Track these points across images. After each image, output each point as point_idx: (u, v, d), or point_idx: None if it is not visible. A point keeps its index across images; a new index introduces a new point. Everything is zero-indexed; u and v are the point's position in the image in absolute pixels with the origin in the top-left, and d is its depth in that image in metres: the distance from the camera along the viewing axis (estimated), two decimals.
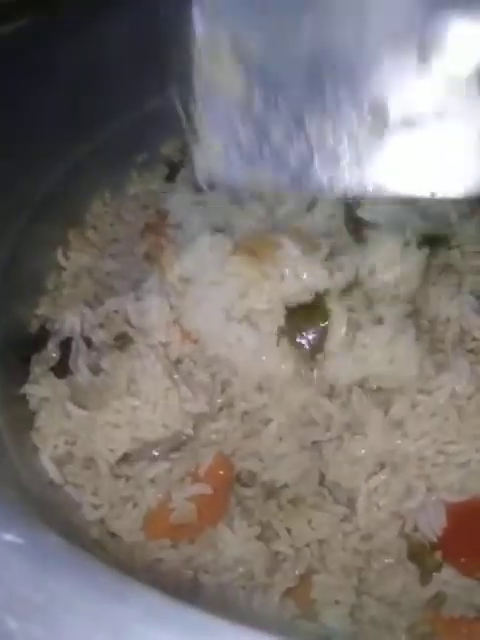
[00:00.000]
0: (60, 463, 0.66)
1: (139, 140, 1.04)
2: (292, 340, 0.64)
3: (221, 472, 0.64)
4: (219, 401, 0.66)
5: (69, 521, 0.62)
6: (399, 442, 0.64)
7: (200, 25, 0.57)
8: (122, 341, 0.70)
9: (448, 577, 0.57)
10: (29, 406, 0.70)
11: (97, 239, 0.93)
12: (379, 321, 0.63)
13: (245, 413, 0.67)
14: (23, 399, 0.71)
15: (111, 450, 0.65)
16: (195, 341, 0.69)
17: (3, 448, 0.64)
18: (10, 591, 0.36)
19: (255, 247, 0.65)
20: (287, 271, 0.64)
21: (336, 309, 0.63)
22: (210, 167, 0.58)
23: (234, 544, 0.62)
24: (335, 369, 0.63)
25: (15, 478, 0.59)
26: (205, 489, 0.63)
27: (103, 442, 0.64)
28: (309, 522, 0.64)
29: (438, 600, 0.57)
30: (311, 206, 0.74)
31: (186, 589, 0.61)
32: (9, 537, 0.38)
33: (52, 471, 0.64)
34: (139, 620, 0.34)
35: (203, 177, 0.59)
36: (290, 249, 0.64)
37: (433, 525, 0.59)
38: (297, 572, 0.62)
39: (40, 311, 0.83)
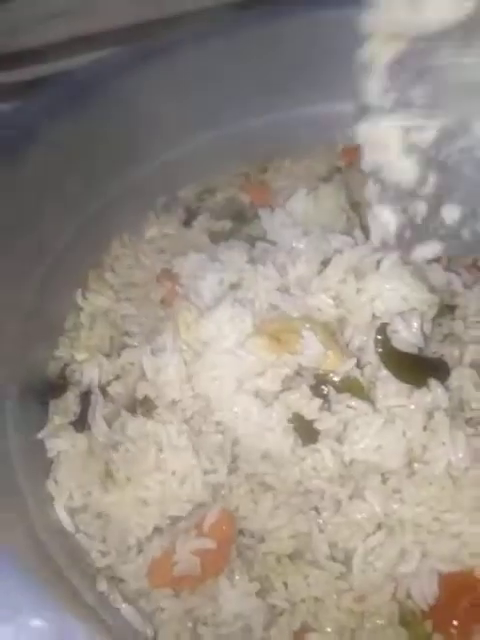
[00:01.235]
0: (73, 512, 0.69)
1: (159, 185, 1.08)
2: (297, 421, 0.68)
3: (224, 528, 0.66)
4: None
5: (80, 569, 0.64)
6: (396, 507, 0.66)
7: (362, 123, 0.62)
8: (146, 407, 0.74)
9: None
10: (47, 454, 0.73)
11: (115, 281, 0.97)
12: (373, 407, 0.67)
13: (249, 475, 0.70)
14: (40, 443, 0.74)
15: (141, 525, 0.68)
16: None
17: (19, 492, 0.67)
18: None
19: (278, 332, 0.69)
20: (304, 361, 0.68)
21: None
22: (383, 237, 0.64)
23: (233, 598, 0.65)
24: (329, 452, 0.67)
25: (29, 525, 0.62)
26: (209, 544, 0.66)
27: (134, 518, 0.68)
28: (306, 578, 0.67)
29: None
30: (323, 267, 0.77)
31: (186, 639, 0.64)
32: (37, 623, 0.41)
33: (65, 521, 0.67)
34: None
35: (376, 241, 0.64)
36: (310, 343, 0.68)
37: (425, 594, 0.61)
38: (293, 628, 0.65)
39: (59, 353, 0.86)
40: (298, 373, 0.70)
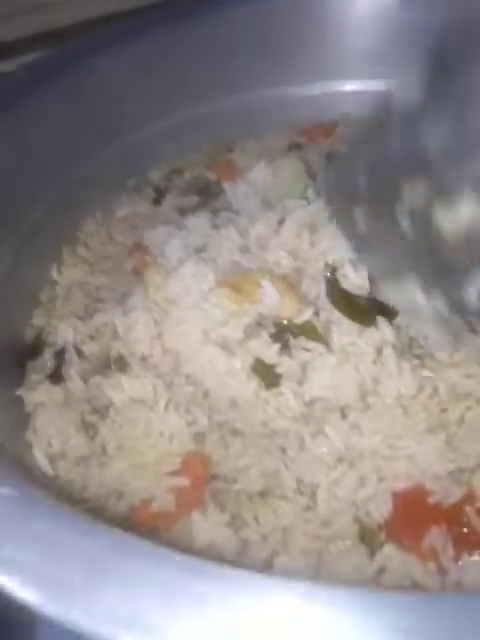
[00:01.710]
0: (53, 459, 0.73)
1: (129, 166, 1.13)
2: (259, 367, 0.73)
3: (198, 468, 0.71)
4: None
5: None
6: (355, 440, 0.71)
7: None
8: (119, 365, 0.78)
9: (389, 553, 0.64)
10: (25, 409, 0.77)
11: (89, 256, 1.01)
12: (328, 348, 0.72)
13: (220, 423, 0.74)
14: (19, 401, 0.78)
15: (142, 488, 0.72)
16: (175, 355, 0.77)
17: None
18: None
19: (239, 284, 0.74)
20: (264, 310, 0.73)
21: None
22: None
23: (207, 530, 0.69)
24: (291, 394, 0.72)
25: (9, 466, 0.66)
26: (183, 482, 0.70)
27: (134, 482, 0.72)
28: (275, 511, 0.71)
29: (380, 572, 0.64)
30: (279, 225, 0.83)
31: None
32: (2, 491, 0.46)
33: (44, 464, 0.72)
34: (108, 550, 0.42)
35: None
36: (269, 291, 0.74)
37: (381, 510, 0.66)
38: (263, 556, 0.69)
39: (35, 322, 0.91)
40: (259, 322, 0.75)
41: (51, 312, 0.92)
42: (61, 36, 1.26)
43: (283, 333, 0.75)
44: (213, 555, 0.69)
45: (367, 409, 0.71)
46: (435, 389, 0.71)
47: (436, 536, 0.62)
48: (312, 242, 0.77)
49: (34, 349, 0.84)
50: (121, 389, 0.76)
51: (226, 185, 1.00)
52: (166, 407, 0.73)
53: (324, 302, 0.74)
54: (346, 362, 0.71)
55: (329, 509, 0.70)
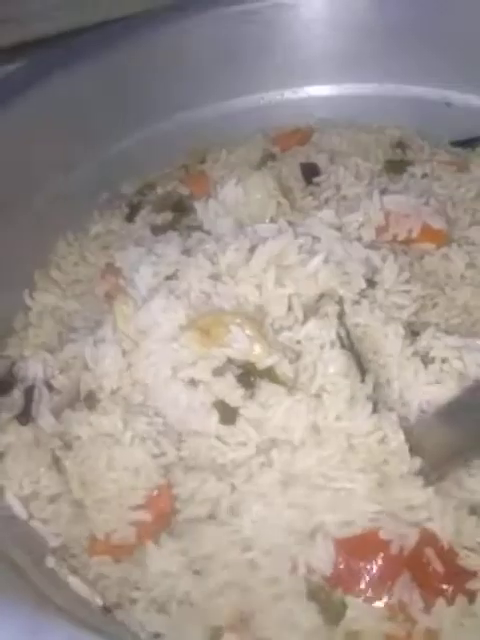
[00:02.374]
0: (26, 501, 0.74)
1: (101, 180, 1.11)
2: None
3: (163, 504, 0.71)
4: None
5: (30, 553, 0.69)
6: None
7: None
8: (89, 402, 0.78)
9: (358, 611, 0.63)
10: None
11: (61, 279, 1.00)
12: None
13: (181, 457, 0.75)
14: None
15: (105, 521, 0.72)
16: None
17: None
18: None
19: (208, 326, 0.74)
20: (232, 354, 0.73)
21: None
22: None
23: (159, 558, 0.69)
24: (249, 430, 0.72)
25: None
26: (145, 517, 0.71)
27: (98, 516, 0.72)
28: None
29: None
30: (250, 253, 0.82)
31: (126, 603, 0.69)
32: None
33: (17, 508, 0.72)
34: None
35: None
36: (238, 336, 0.73)
37: (324, 561, 0.65)
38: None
39: (8, 352, 0.90)
40: (228, 363, 0.74)
41: (24, 342, 0.92)
42: (26, 49, 1.23)
43: (249, 375, 0.74)
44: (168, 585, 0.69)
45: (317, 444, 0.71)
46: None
47: (402, 587, 0.62)
48: (278, 280, 0.77)
49: (5, 385, 0.84)
50: (88, 424, 0.75)
51: (197, 204, 0.98)
52: (132, 441, 0.73)
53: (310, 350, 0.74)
54: (299, 403, 0.71)
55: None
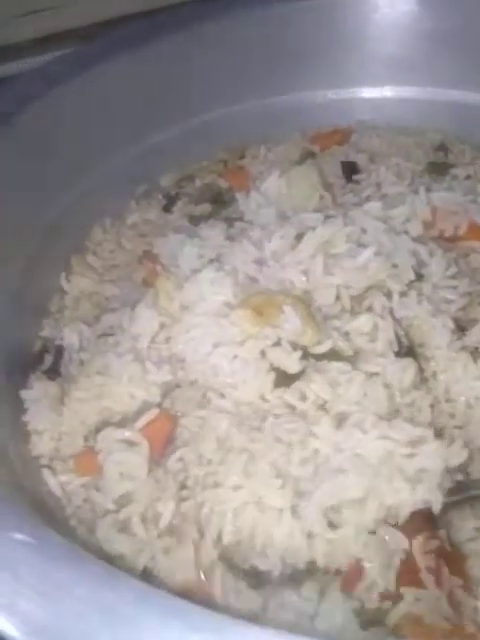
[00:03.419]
0: (50, 458, 0.73)
1: (139, 172, 1.11)
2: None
3: (159, 425, 0.69)
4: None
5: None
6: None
7: None
8: (106, 336, 0.78)
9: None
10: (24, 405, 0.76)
11: (98, 264, 0.99)
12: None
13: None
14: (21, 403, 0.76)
15: (81, 423, 0.71)
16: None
17: (8, 461, 0.69)
18: (21, 580, 0.43)
19: (261, 306, 0.72)
20: (283, 340, 0.71)
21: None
22: None
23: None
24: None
25: (18, 484, 0.65)
26: (134, 437, 0.69)
27: (72, 417, 0.71)
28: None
29: None
30: (297, 242, 0.81)
31: None
32: (20, 536, 0.45)
33: (52, 483, 0.70)
34: (128, 604, 0.41)
35: None
36: (291, 318, 0.71)
37: None
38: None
39: (44, 333, 0.89)
40: (277, 344, 0.73)
41: (59, 322, 0.90)
42: (68, 38, 1.23)
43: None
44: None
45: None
46: None
47: None
48: (326, 268, 0.76)
49: (39, 356, 0.84)
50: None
51: (239, 195, 0.98)
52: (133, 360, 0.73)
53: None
54: (373, 379, 0.70)
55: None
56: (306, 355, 0.71)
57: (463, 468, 0.70)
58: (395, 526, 0.65)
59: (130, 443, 0.68)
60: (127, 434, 0.68)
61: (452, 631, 0.59)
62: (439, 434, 0.71)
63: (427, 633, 0.58)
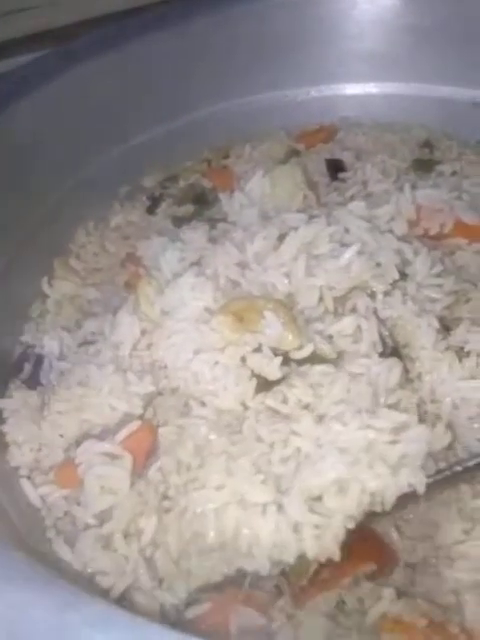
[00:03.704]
0: (30, 469, 0.72)
1: (123, 173, 1.10)
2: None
3: (140, 434, 0.68)
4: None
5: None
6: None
7: None
8: (87, 345, 0.76)
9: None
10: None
11: (80, 268, 0.98)
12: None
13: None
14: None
15: (61, 436, 0.70)
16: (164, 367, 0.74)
17: None
18: None
19: (242, 312, 0.71)
20: (264, 346, 0.70)
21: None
22: None
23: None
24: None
25: None
26: (115, 450, 0.68)
27: (52, 430, 0.70)
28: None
29: None
30: (279, 243, 0.79)
31: None
32: None
33: (31, 495, 0.69)
34: (87, 625, 0.39)
35: None
36: (272, 323, 0.70)
37: None
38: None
39: (24, 338, 0.88)
40: (257, 350, 0.72)
41: (40, 327, 0.89)
42: (55, 37, 1.22)
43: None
44: None
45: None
46: None
47: None
48: (308, 270, 0.74)
49: (19, 365, 0.82)
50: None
51: (222, 195, 0.96)
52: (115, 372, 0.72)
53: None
54: (356, 380, 0.69)
55: None
56: (287, 361, 0.70)
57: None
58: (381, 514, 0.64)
59: (112, 456, 0.67)
60: (108, 447, 0.67)
61: (432, 630, 0.58)
62: (422, 420, 0.70)
63: (406, 631, 0.58)
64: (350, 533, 0.63)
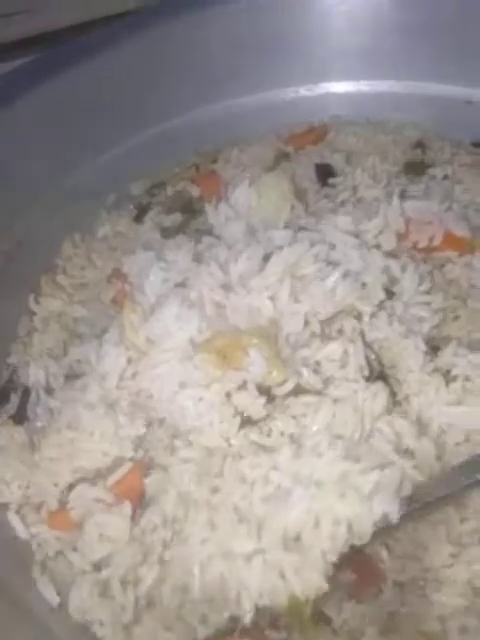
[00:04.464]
0: (19, 505, 0.72)
1: (109, 180, 1.08)
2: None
3: (131, 477, 0.68)
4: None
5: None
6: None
7: None
8: (74, 378, 0.76)
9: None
10: None
11: (67, 283, 0.97)
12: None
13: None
14: None
15: (55, 485, 0.70)
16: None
17: None
18: None
19: (225, 348, 0.70)
20: (249, 383, 0.70)
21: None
22: None
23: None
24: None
25: None
26: (105, 495, 0.68)
27: (46, 477, 0.70)
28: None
29: None
30: (264, 263, 0.78)
31: None
32: None
33: (19, 528, 0.70)
34: None
35: None
36: (256, 361, 0.69)
37: None
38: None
39: (11, 360, 0.87)
40: (242, 387, 0.71)
41: (28, 349, 0.89)
42: (44, 41, 1.19)
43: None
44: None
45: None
46: None
47: None
48: (293, 294, 0.73)
49: (5, 392, 0.82)
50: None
51: (208, 207, 0.94)
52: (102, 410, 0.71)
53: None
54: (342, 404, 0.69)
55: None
56: (271, 399, 0.70)
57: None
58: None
59: (109, 504, 0.67)
60: (102, 493, 0.67)
61: None
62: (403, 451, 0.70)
63: None
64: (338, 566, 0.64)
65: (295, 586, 0.63)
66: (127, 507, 0.66)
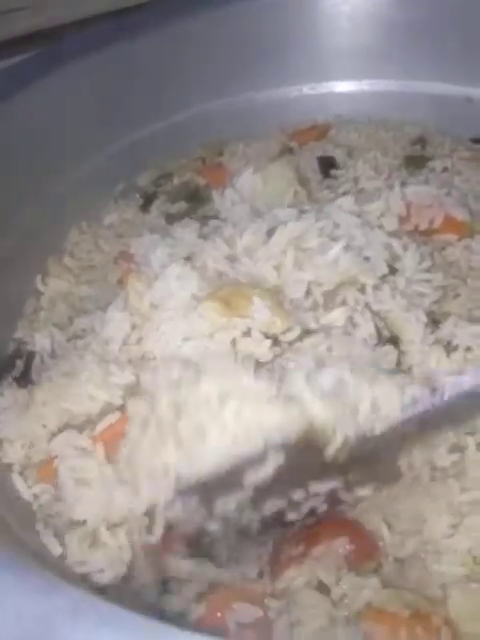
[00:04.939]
0: (22, 466, 0.72)
1: (117, 171, 1.10)
2: None
3: (118, 427, 0.68)
4: None
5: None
6: None
7: None
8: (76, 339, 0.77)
9: None
10: None
11: (74, 266, 0.99)
12: None
13: None
14: None
15: (44, 426, 0.70)
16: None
17: None
18: None
19: (229, 297, 0.71)
20: (253, 330, 0.70)
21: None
22: None
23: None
24: None
25: None
26: (86, 443, 0.68)
27: (36, 421, 0.70)
28: None
29: None
30: (269, 235, 0.80)
31: None
32: None
33: (22, 488, 0.70)
34: (62, 613, 0.40)
35: None
36: (260, 308, 0.70)
37: None
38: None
39: (18, 334, 0.88)
40: (246, 334, 0.72)
41: (34, 324, 0.90)
42: (45, 37, 1.22)
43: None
44: None
45: None
46: None
47: None
48: (297, 263, 0.74)
49: (11, 361, 0.83)
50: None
51: (214, 193, 0.97)
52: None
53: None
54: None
55: None
56: (277, 342, 0.70)
57: None
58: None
59: (85, 448, 0.67)
60: (82, 440, 0.68)
61: (415, 621, 0.59)
62: None
63: (387, 621, 0.58)
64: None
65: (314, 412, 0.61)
66: (100, 448, 0.66)
